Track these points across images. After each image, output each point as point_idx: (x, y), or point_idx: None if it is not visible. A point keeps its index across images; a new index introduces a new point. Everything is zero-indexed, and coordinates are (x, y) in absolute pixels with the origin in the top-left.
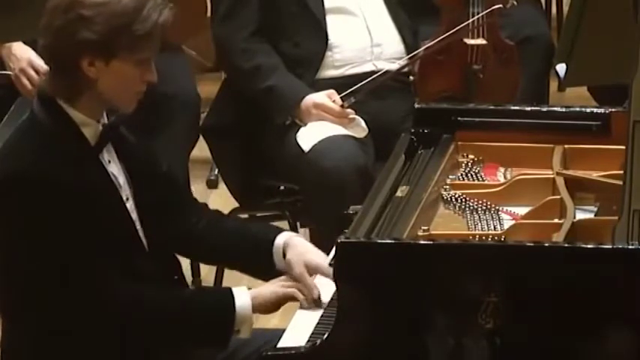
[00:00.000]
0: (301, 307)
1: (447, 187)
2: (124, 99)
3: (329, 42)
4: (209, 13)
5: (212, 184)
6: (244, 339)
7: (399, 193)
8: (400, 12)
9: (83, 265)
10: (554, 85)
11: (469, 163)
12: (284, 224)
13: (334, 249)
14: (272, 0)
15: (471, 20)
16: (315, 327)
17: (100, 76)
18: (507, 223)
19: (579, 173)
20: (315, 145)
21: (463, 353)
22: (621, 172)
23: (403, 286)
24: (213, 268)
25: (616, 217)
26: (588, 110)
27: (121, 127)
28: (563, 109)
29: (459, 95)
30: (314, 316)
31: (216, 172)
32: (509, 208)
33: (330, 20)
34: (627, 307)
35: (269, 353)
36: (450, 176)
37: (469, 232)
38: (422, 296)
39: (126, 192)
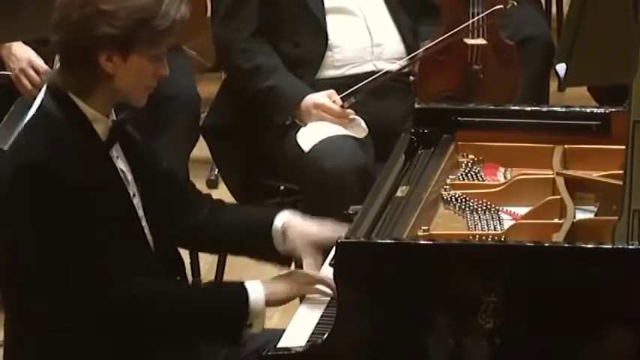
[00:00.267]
0: (305, 302)
1: (447, 187)
2: (138, 94)
3: (329, 42)
4: (209, 13)
5: (212, 184)
6: (244, 339)
7: (399, 193)
8: (400, 12)
9: (92, 259)
10: (554, 85)
11: (469, 163)
12: None
13: (334, 249)
14: (272, 0)
15: (471, 21)
16: (315, 327)
17: (117, 72)
18: (507, 223)
19: (579, 173)
20: (315, 145)
21: (463, 353)
22: (621, 172)
23: (403, 286)
24: (213, 268)
25: (616, 217)
26: (588, 110)
27: (127, 125)
28: (563, 109)
29: (459, 95)
30: (314, 316)
31: (216, 172)
32: (509, 208)
33: (330, 20)
34: (627, 307)
35: (269, 353)
36: (450, 176)
37: (469, 232)
38: (422, 296)
39: (133, 189)
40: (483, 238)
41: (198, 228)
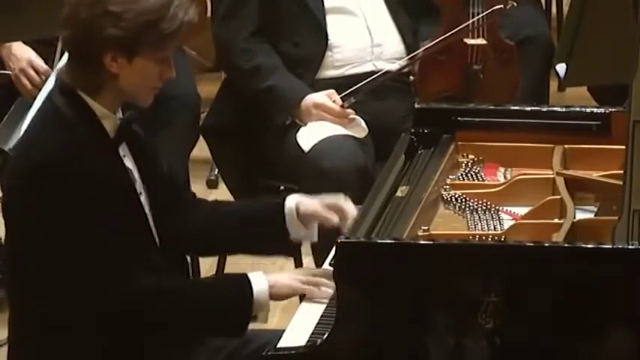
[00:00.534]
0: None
1: (447, 187)
2: (142, 94)
3: (329, 42)
4: (209, 13)
5: (212, 184)
6: (244, 339)
7: (399, 193)
8: (400, 12)
9: (103, 255)
10: (554, 85)
11: (469, 163)
12: None
13: (334, 249)
14: (272, 0)
15: (471, 21)
16: (315, 327)
17: (122, 72)
18: (507, 223)
19: (579, 173)
20: (315, 145)
21: (463, 353)
22: (621, 172)
23: (403, 286)
24: (213, 268)
25: (616, 217)
26: (588, 110)
27: (134, 124)
28: (563, 109)
29: (459, 95)
30: (314, 316)
31: (216, 172)
32: (509, 208)
33: (330, 20)
34: (627, 307)
35: (269, 353)
36: (450, 176)
37: (469, 232)
38: (422, 296)
39: (140, 186)
40: (483, 238)
41: (200, 231)
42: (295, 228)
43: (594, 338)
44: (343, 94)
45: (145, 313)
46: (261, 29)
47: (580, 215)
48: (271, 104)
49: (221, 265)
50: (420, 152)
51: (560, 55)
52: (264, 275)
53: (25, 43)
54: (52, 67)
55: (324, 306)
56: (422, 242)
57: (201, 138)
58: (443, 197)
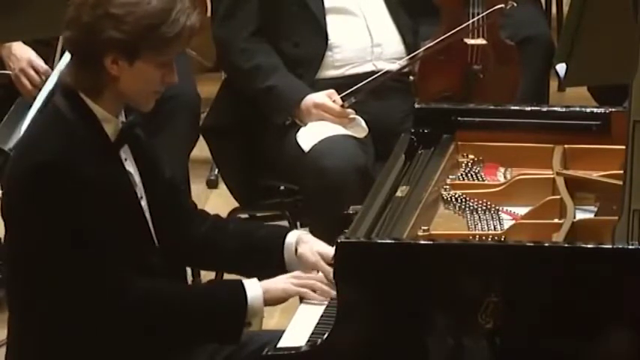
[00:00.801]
0: (305, 302)
1: (447, 187)
2: (143, 98)
3: (329, 42)
4: (209, 13)
5: (212, 184)
6: (244, 339)
7: (399, 193)
8: (400, 12)
9: (100, 257)
10: (554, 85)
11: (469, 163)
12: (284, 224)
13: (334, 249)
14: (272, 0)
15: (471, 21)
16: (315, 327)
17: (122, 75)
18: (507, 223)
19: (579, 173)
20: (315, 145)
21: (463, 353)
22: (621, 172)
23: (403, 286)
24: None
25: (616, 217)
26: (588, 110)
27: (137, 128)
28: (563, 109)
29: (459, 95)
30: (314, 315)
31: (216, 172)
32: (509, 208)
33: (330, 20)
34: (627, 307)
35: (269, 353)
36: (450, 176)
37: (469, 232)
38: (422, 296)
39: (140, 191)
40: (483, 238)
41: (201, 245)
42: (292, 262)
43: (594, 338)
44: (343, 94)
45: (138, 317)
46: (261, 29)
47: (580, 215)
48: (271, 104)
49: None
50: (420, 152)
51: (560, 55)
52: (259, 282)
53: (25, 43)
54: (52, 67)
55: (324, 306)
56: (422, 242)
57: (201, 138)
58: (443, 197)
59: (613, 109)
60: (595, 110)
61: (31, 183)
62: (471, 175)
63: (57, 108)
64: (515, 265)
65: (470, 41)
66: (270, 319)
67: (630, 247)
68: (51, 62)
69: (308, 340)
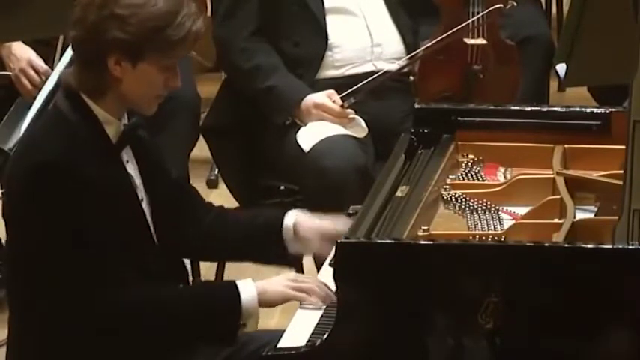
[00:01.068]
0: (303, 306)
1: (447, 187)
2: (145, 101)
3: (329, 42)
4: (209, 13)
5: (212, 184)
6: (244, 339)
7: (399, 193)
8: (400, 12)
9: (99, 258)
10: (554, 85)
11: (469, 163)
12: None
13: (334, 249)
14: (272, 0)
15: (470, 20)
16: (315, 327)
17: (125, 77)
18: (507, 223)
19: (579, 173)
20: (315, 145)
21: (463, 353)
22: (621, 172)
23: (403, 286)
24: (213, 268)
25: (616, 217)
26: (588, 110)
27: (140, 130)
28: (563, 109)
29: (459, 95)
30: (314, 316)
31: (216, 172)
32: (509, 208)
33: (330, 20)
34: (627, 307)
35: (269, 353)
36: (450, 176)
37: (469, 232)
38: (422, 296)
39: (141, 193)
40: (483, 238)
41: (203, 236)
42: (292, 244)
43: (594, 338)
44: (343, 94)
45: (132, 319)
46: (261, 29)
47: (580, 215)
48: (271, 104)
49: (221, 265)
50: (420, 152)
51: (560, 55)
52: (253, 282)
53: (25, 43)
54: (52, 67)
55: (323, 307)
56: (422, 242)
57: (201, 138)
58: (443, 197)
59: (613, 109)
60: (595, 110)
61: (31, 183)
62: (471, 175)
63: (58, 109)
64: (515, 265)
65: (470, 41)
66: (270, 319)
67: (630, 247)
68: (51, 62)
69: (308, 340)
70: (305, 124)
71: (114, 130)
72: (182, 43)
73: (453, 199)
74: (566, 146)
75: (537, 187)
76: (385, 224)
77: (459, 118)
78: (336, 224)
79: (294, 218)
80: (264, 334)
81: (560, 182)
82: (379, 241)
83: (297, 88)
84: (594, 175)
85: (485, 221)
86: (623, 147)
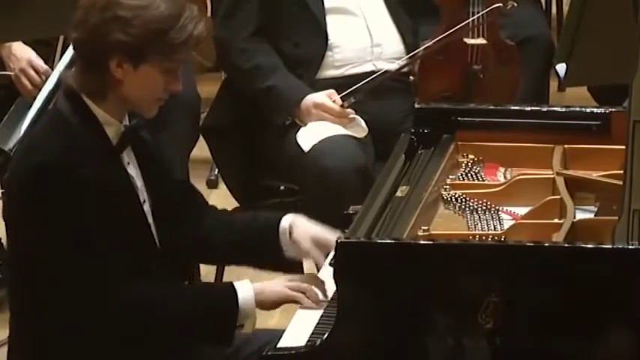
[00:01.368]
0: (302, 307)
1: (447, 187)
2: (146, 104)
3: (329, 42)
4: (209, 13)
5: (212, 184)
6: (244, 339)
7: (399, 193)
8: (400, 12)
9: (99, 259)
10: (554, 85)
11: (469, 163)
12: None
13: (334, 249)
14: (272, 0)
15: (470, 19)
16: (315, 327)
17: (126, 79)
18: (507, 223)
19: (579, 173)
20: (315, 145)
21: (463, 353)
22: (621, 172)
23: (403, 286)
24: (213, 268)
25: (616, 217)
26: (588, 110)
27: (142, 131)
28: (563, 109)
29: (459, 95)
30: (314, 316)
31: (216, 172)
32: (509, 208)
33: (330, 20)
34: (627, 307)
35: (269, 353)
36: (450, 176)
37: (469, 232)
38: (422, 296)
39: (143, 195)
40: (483, 238)
41: (203, 240)
42: (289, 247)
43: (594, 338)
44: (343, 94)
45: (132, 319)
46: (261, 29)
47: (580, 215)
48: (271, 104)
49: (221, 268)
50: (420, 152)
51: (560, 55)
52: (250, 284)
53: (25, 43)
54: (52, 67)
55: (323, 306)
56: (422, 242)
57: (201, 138)
58: (443, 197)
59: (613, 109)
60: (595, 110)
61: (31, 184)
62: (471, 175)
63: (58, 110)
64: (515, 265)
65: (470, 41)
66: (270, 319)
67: (630, 247)
68: (51, 62)
69: (308, 340)
70: (305, 124)
71: (114, 131)
72: (184, 46)
73: (453, 199)
74: (566, 146)
75: (537, 187)
76: (385, 224)
77: (459, 118)
78: (331, 235)
79: (291, 221)
80: (264, 334)
81: (560, 182)
82: (379, 241)
83: (297, 88)
84: (594, 175)
85: (485, 221)
86: (623, 147)
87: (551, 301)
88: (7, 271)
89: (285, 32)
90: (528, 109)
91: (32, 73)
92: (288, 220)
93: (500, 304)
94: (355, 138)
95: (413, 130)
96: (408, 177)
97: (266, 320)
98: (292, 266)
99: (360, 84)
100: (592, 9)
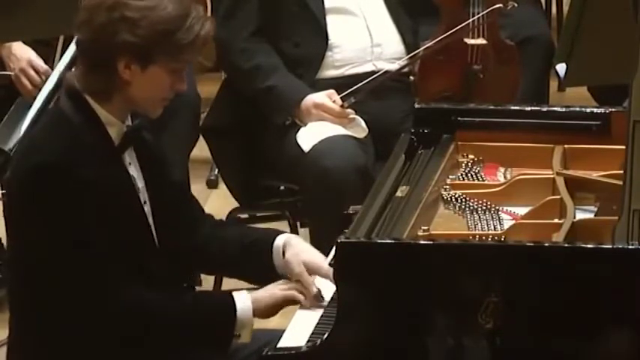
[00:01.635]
0: (302, 307)
1: (447, 187)
2: (151, 104)
3: (329, 42)
4: (209, 13)
5: (212, 184)
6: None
7: (399, 193)
8: (401, 12)
9: (99, 259)
10: (554, 85)
11: (469, 163)
12: (284, 224)
13: (334, 249)
14: (272, 0)
15: (470, 20)
16: (315, 327)
17: (134, 80)
18: (507, 223)
19: (579, 173)
20: (315, 145)
21: (463, 353)
22: (621, 172)
23: (403, 286)
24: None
25: (616, 217)
26: (588, 110)
27: (144, 131)
28: (563, 109)
29: (459, 95)
30: (314, 316)
31: (216, 172)
32: (509, 208)
33: (331, 20)
34: (627, 307)
35: (269, 353)
36: (450, 176)
37: (469, 232)
38: (422, 296)
39: (144, 195)
40: (483, 238)
41: (199, 248)
42: (280, 266)
43: (594, 338)
44: (343, 94)
45: (126, 326)
46: (261, 29)
47: (580, 215)
48: (271, 104)
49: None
50: (420, 152)
51: (560, 55)
52: (248, 293)
53: (25, 43)
54: (52, 67)
55: (324, 304)
56: (422, 242)
57: (201, 138)
58: (443, 197)
59: (613, 109)
60: (595, 110)
61: (32, 184)
62: (471, 175)
63: (60, 109)
64: (515, 265)
65: (470, 41)
66: (270, 320)
67: (630, 247)
68: (51, 62)
69: (308, 340)
70: (305, 124)
71: (116, 131)
72: (191, 47)
73: (453, 199)
74: (566, 146)
75: (537, 187)
76: (385, 224)
77: (459, 118)
78: (322, 261)
79: (285, 240)
80: (264, 334)
81: (560, 182)
82: (379, 241)
83: (297, 88)
84: (594, 175)
85: (485, 221)
86: (623, 147)
87: (551, 301)
88: (7, 271)
89: (285, 32)
90: (528, 109)
91: (32, 73)
92: (282, 239)
93: (500, 304)
94: (355, 138)
95: (413, 130)
96: (408, 177)
97: (266, 320)
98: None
99: (360, 84)
100: (592, 9)
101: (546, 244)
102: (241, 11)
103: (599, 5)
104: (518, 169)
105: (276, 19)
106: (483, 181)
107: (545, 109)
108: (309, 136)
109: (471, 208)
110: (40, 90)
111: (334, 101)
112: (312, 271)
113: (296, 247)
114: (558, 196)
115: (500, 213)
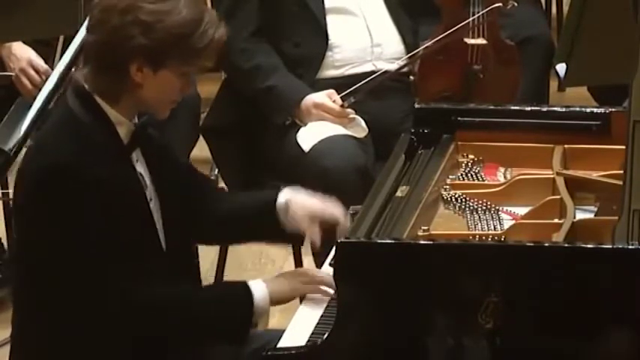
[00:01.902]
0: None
1: (447, 187)
2: (161, 107)
3: (329, 42)
4: None
5: None
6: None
7: (399, 193)
8: (400, 12)
9: (106, 259)
10: (554, 85)
11: (469, 163)
12: None
13: (334, 249)
14: (272, 0)
15: (469, 20)
16: (315, 327)
17: (145, 83)
18: (507, 223)
19: (579, 173)
20: (315, 145)
21: (463, 353)
22: (621, 172)
23: (403, 286)
24: (213, 268)
25: (616, 217)
26: (588, 110)
27: (150, 128)
28: (563, 109)
29: (459, 95)
30: (314, 315)
31: (216, 172)
32: (509, 208)
33: (331, 20)
34: (627, 307)
35: (269, 353)
36: (450, 176)
37: (469, 232)
38: (422, 296)
39: (150, 193)
40: (483, 238)
41: (213, 223)
42: (288, 222)
43: (594, 338)
44: (343, 94)
45: (142, 323)
46: (261, 29)
47: (580, 215)
48: (271, 104)
49: (221, 264)
50: (420, 152)
51: (560, 55)
52: (264, 282)
53: (25, 43)
54: (52, 67)
55: (324, 306)
56: (422, 242)
57: (201, 138)
58: (443, 197)
59: (613, 109)
60: (595, 110)
61: (43, 184)
62: (471, 175)
63: (70, 110)
64: (515, 265)
65: (470, 41)
66: (271, 319)
67: (630, 247)
68: (51, 62)
69: (308, 340)
70: (305, 124)
71: (125, 130)
72: (205, 51)
73: (453, 199)
74: (566, 146)
75: (537, 187)
76: (385, 224)
77: (459, 118)
78: (328, 208)
79: (287, 195)
80: (264, 334)
81: (560, 182)
82: (379, 241)
83: (297, 88)
84: (594, 175)
85: (485, 221)
86: (623, 147)
87: (551, 301)
88: (7, 271)
89: (285, 32)
90: (528, 109)
91: (32, 73)
92: (285, 196)
93: (500, 304)
94: (355, 138)
95: (413, 130)
96: (408, 177)
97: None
98: (296, 239)
99: (360, 84)
100: (592, 9)
101: (546, 244)
102: (241, 11)
103: (599, 5)
104: (518, 169)
105: (276, 19)
106: (483, 181)
107: (545, 109)
108: (309, 136)
109: (471, 208)
110: (40, 90)
111: (334, 101)
112: (319, 218)
113: (298, 202)
114: (558, 196)
115: (500, 213)
